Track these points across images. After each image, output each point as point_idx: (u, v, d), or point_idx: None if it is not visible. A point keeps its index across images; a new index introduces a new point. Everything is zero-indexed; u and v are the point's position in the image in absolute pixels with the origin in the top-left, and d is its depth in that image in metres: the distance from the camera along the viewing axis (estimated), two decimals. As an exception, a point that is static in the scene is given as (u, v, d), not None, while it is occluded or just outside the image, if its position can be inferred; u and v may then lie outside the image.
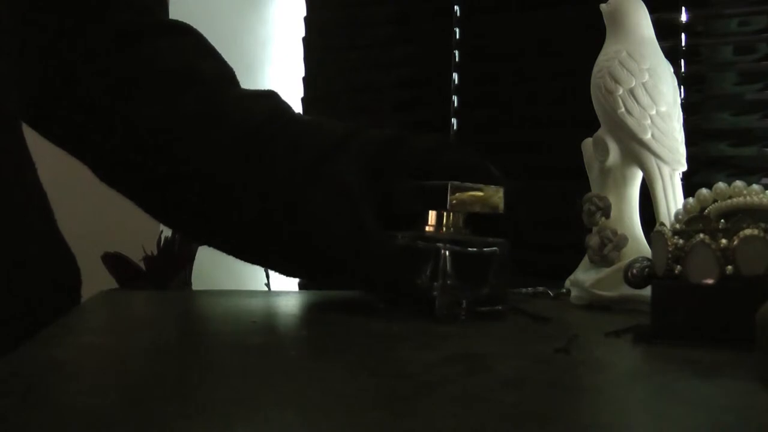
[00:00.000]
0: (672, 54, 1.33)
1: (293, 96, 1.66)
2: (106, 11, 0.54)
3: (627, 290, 0.47)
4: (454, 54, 1.59)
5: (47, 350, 0.35)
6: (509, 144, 1.57)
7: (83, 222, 1.07)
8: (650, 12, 0.57)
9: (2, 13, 0.48)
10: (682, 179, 0.55)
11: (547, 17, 1.50)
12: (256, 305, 0.53)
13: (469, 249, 0.46)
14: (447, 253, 0.45)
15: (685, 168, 0.54)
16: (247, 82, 0.57)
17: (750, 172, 1.34)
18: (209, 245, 0.57)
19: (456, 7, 1.59)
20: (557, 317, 0.48)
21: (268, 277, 1.45)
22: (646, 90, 0.54)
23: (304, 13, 1.72)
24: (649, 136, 0.53)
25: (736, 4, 1.37)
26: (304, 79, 1.71)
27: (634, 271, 0.44)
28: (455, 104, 1.59)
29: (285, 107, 0.54)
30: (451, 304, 0.45)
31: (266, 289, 1.44)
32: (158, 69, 0.54)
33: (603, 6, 0.57)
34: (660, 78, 0.55)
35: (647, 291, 0.41)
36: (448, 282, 0.45)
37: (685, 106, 1.04)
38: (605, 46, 0.57)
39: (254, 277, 1.49)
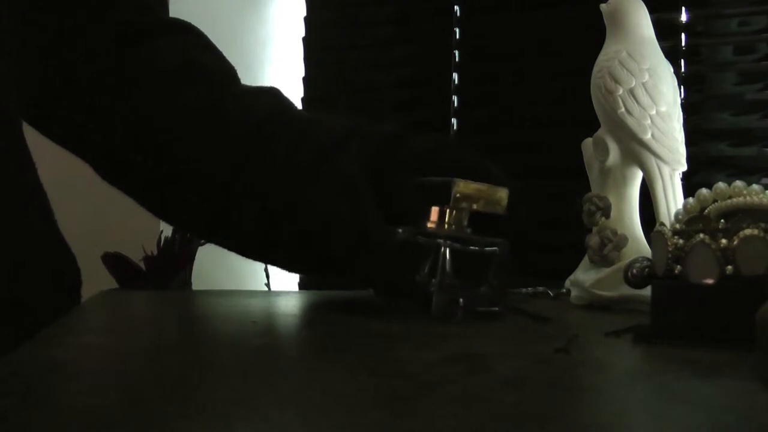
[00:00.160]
0: (672, 54, 1.33)
1: (293, 96, 1.66)
2: (107, 11, 0.54)
3: (627, 290, 0.47)
4: (454, 54, 1.59)
5: (47, 350, 0.35)
6: (509, 144, 1.57)
7: (83, 222, 1.07)
8: (650, 12, 0.57)
9: (2, 13, 0.48)
10: (682, 179, 0.55)
11: (547, 17, 1.50)
12: (256, 305, 0.53)
13: (470, 247, 0.46)
14: (447, 249, 0.45)
15: (685, 168, 0.54)
16: (246, 82, 0.57)
17: (750, 172, 1.34)
18: (211, 242, 0.57)
19: (456, 7, 1.59)
20: (557, 317, 0.48)
21: (268, 277, 1.45)
22: (646, 90, 0.54)
23: (304, 13, 1.72)
24: (649, 136, 0.53)
25: (736, 4, 1.37)
26: (304, 79, 1.71)
27: (634, 271, 0.44)
28: (455, 104, 1.59)
29: (287, 104, 0.54)
30: (448, 301, 0.45)
31: (266, 289, 1.44)
32: (158, 69, 0.54)
33: (603, 6, 0.57)
34: (660, 78, 0.55)
35: (647, 291, 0.41)
36: (446, 279, 0.45)
37: (685, 106, 1.04)
38: (605, 46, 0.57)
39: (254, 277, 1.49)
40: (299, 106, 0.55)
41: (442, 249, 0.45)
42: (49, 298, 0.49)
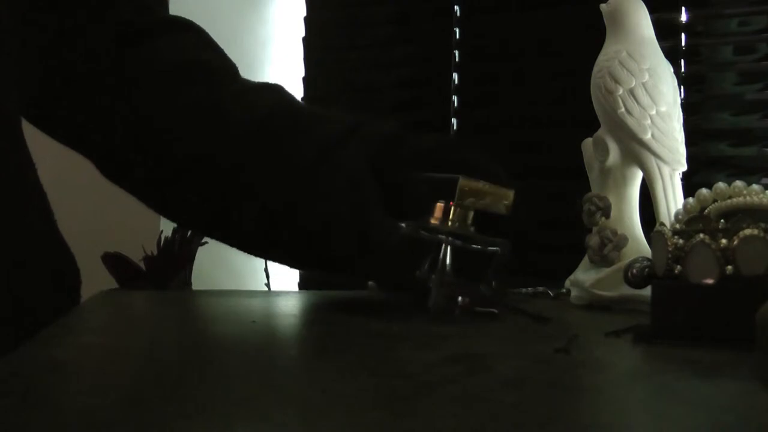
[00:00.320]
0: (672, 54, 1.33)
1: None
2: (107, 11, 0.54)
3: (627, 290, 0.47)
4: (454, 54, 1.59)
5: (47, 350, 0.35)
6: (509, 144, 1.57)
7: (83, 222, 1.07)
8: (650, 12, 0.57)
9: (2, 13, 0.48)
10: (682, 179, 0.55)
11: (547, 17, 1.50)
12: (256, 305, 0.53)
13: (472, 246, 0.45)
14: (448, 246, 0.45)
15: (685, 168, 0.54)
16: (246, 83, 0.57)
17: (750, 172, 1.34)
18: (213, 238, 0.57)
19: (456, 7, 1.59)
20: (557, 317, 0.48)
21: (268, 277, 1.45)
22: (646, 90, 0.54)
23: (304, 13, 1.72)
24: (649, 136, 0.53)
25: (736, 4, 1.37)
26: (304, 79, 1.71)
27: (634, 271, 0.44)
28: (455, 104, 1.59)
29: (289, 99, 0.54)
30: (447, 299, 0.44)
31: (266, 289, 1.44)
32: (158, 68, 0.54)
33: (603, 6, 0.57)
34: (660, 78, 0.55)
35: (647, 291, 0.41)
36: (446, 276, 0.44)
37: (685, 106, 1.04)
38: (605, 46, 0.57)
39: (254, 277, 1.49)
40: (300, 105, 0.55)
41: (444, 245, 0.45)
42: (49, 298, 0.49)
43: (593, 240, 0.54)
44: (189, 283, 1.32)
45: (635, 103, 0.54)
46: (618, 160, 0.56)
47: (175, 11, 0.59)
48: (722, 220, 0.41)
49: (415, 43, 1.65)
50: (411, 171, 0.49)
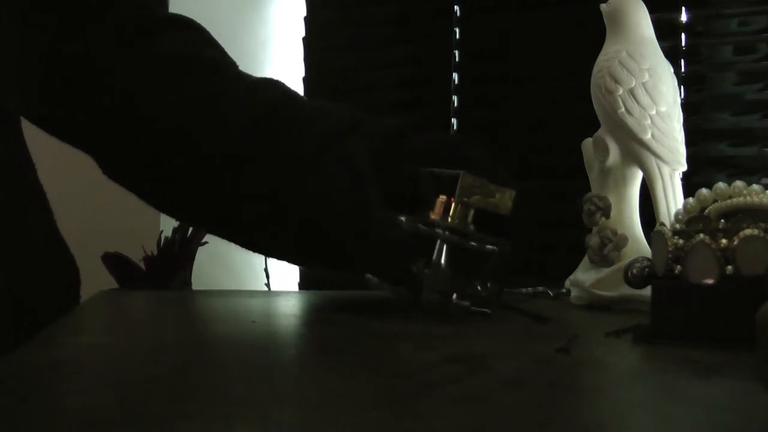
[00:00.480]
0: (672, 54, 1.33)
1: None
2: (107, 11, 0.54)
3: (627, 290, 0.47)
4: (454, 54, 1.59)
5: (47, 350, 0.35)
6: (509, 144, 1.57)
7: (83, 222, 1.07)
8: (650, 12, 0.57)
9: (2, 13, 0.48)
10: (682, 179, 0.55)
11: (547, 17, 1.50)
12: (256, 305, 0.53)
13: (470, 243, 0.45)
14: (446, 241, 0.44)
15: (685, 168, 0.54)
16: (247, 82, 0.57)
17: (750, 172, 1.34)
18: (214, 234, 0.57)
19: (456, 7, 1.59)
20: (557, 317, 0.48)
21: (268, 277, 1.45)
22: (646, 90, 0.54)
23: (304, 13, 1.72)
24: (649, 136, 0.53)
25: (736, 4, 1.37)
26: (304, 79, 1.71)
27: (634, 271, 0.44)
28: (455, 104, 1.59)
29: (290, 94, 0.55)
30: (440, 294, 0.44)
31: (266, 289, 1.44)
32: (159, 67, 0.54)
33: (603, 6, 0.57)
34: (660, 78, 0.55)
35: (647, 291, 0.41)
36: (441, 271, 0.44)
37: (685, 106, 1.04)
38: (605, 46, 0.57)
39: (254, 277, 1.49)
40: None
41: (440, 240, 0.44)
42: (49, 298, 0.49)
43: (593, 240, 0.54)
44: (189, 283, 1.32)
45: (635, 103, 0.54)
46: (618, 160, 0.56)
47: (175, 11, 0.59)
48: (722, 220, 0.41)
49: (415, 43, 1.65)
50: (417, 163, 0.49)
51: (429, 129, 0.53)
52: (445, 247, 0.45)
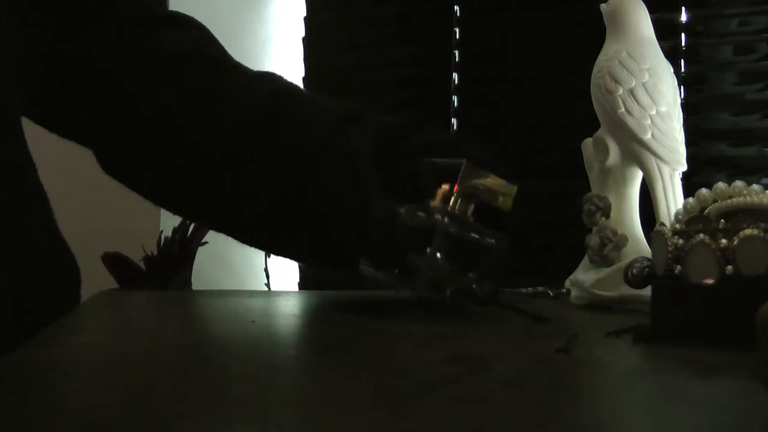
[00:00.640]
0: (672, 54, 1.33)
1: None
2: (107, 11, 0.54)
3: (627, 290, 0.47)
4: (454, 54, 1.59)
5: (47, 350, 0.35)
6: (509, 144, 1.57)
7: (83, 222, 1.07)
8: (650, 12, 0.57)
9: (2, 13, 0.48)
10: (682, 179, 0.55)
11: (547, 17, 1.50)
12: (256, 305, 0.53)
13: (469, 234, 0.45)
14: (444, 229, 0.44)
15: (685, 168, 0.54)
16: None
17: (750, 172, 1.34)
18: (215, 230, 0.57)
19: (456, 7, 1.59)
20: (557, 317, 0.48)
21: (268, 277, 1.45)
22: (646, 90, 0.54)
23: (304, 13, 1.72)
24: (649, 136, 0.53)
25: (736, 4, 1.37)
26: (304, 79, 1.71)
27: (634, 271, 0.44)
28: (455, 104, 1.59)
29: (291, 87, 0.55)
30: (434, 282, 0.44)
31: (266, 289, 1.44)
32: (159, 64, 0.54)
33: (603, 6, 0.57)
34: (660, 78, 0.55)
35: (647, 291, 0.41)
36: (438, 260, 0.44)
37: (685, 106, 1.04)
38: (605, 46, 0.57)
39: (254, 277, 1.49)
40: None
41: (439, 228, 0.44)
42: (49, 298, 0.49)
43: (593, 240, 0.54)
44: (189, 283, 1.32)
45: (635, 103, 0.54)
46: (618, 160, 0.56)
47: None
48: (722, 220, 0.41)
49: (415, 43, 1.65)
50: (414, 159, 0.48)
51: (429, 127, 0.53)
52: (443, 236, 0.44)
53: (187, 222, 1.29)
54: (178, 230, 1.29)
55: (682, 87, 1.36)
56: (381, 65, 1.69)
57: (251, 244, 0.56)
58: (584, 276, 0.54)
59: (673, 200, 0.53)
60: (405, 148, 0.50)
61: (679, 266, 0.39)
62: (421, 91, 1.65)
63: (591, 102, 0.57)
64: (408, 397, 0.27)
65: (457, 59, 1.59)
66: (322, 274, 0.54)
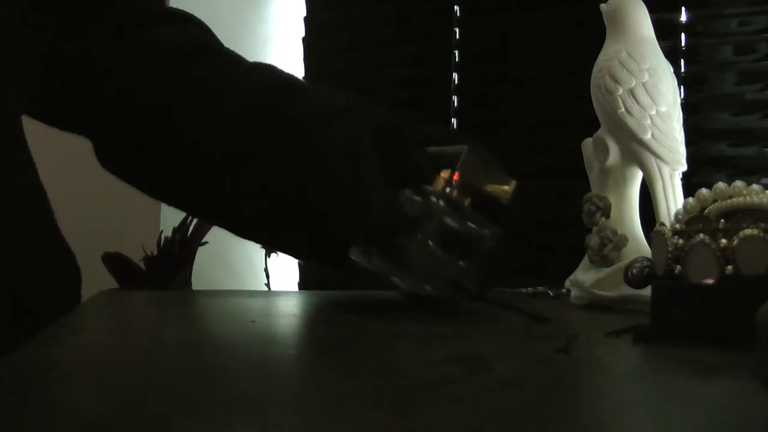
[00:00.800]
0: (672, 54, 1.33)
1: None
2: (107, 11, 0.54)
3: (627, 290, 0.47)
4: (454, 54, 1.59)
5: (47, 350, 0.35)
6: (509, 144, 1.57)
7: (83, 222, 1.07)
8: (650, 12, 0.57)
9: (2, 13, 0.48)
10: (682, 179, 0.55)
11: (547, 17, 1.50)
12: (256, 305, 0.53)
13: (463, 221, 0.44)
14: (439, 212, 0.43)
15: (685, 168, 0.54)
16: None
17: (750, 172, 1.34)
18: (215, 224, 0.57)
19: (456, 7, 1.59)
20: (557, 317, 0.48)
21: (268, 277, 1.45)
22: (646, 90, 0.54)
23: (304, 13, 1.72)
24: (649, 136, 0.53)
25: (736, 4, 1.37)
26: (304, 79, 1.71)
27: (634, 271, 0.44)
28: (455, 104, 1.59)
29: (290, 78, 0.55)
30: (423, 271, 0.43)
31: (266, 289, 1.44)
32: (158, 61, 0.54)
33: (603, 6, 0.57)
34: (660, 78, 0.55)
35: (647, 291, 0.41)
36: (429, 245, 0.43)
37: (685, 106, 1.04)
38: (605, 46, 0.57)
39: (254, 277, 1.49)
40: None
41: (434, 210, 0.43)
42: (49, 298, 0.49)
43: (593, 240, 0.54)
44: (189, 283, 1.32)
45: (635, 103, 0.54)
46: (618, 160, 0.56)
47: (175, 11, 0.59)
48: (722, 220, 0.41)
49: (415, 43, 1.65)
50: (415, 147, 0.48)
51: (428, 123, 0.52)
52: (438, 219, 0.43)
53: (188, 222, 1.29)
54: (178, 230, 1.29)
55: (682, 87, 1.36)
56: (381, 65, 1.69)
57: (252, 240, 0.56)
58: (584, 276, 0.54)
59: (673, 200, 0.53)
60: (403, 138, 0.50)
61: (679, 266, 0.39)
62: (421, 91, 1.65)
63: (591, 102, 0.57)
64: (408, 397, 0.27)
65: (457, 59, 1.59)
66: (323, 274, 0.54)
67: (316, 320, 0.49)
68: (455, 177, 0.45)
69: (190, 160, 0.52)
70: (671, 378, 0.31)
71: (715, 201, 0.44)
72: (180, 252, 1.29)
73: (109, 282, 1.23)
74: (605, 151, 0.55)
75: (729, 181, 0.45)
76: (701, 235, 0.39)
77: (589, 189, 0.57)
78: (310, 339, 0.43)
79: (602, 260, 0.53)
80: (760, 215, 0.41)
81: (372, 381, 0.30)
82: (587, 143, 0.58)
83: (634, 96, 0.54)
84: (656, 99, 0.54)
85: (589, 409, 0.28)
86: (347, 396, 0.27)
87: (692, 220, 0.43)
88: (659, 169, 0.54)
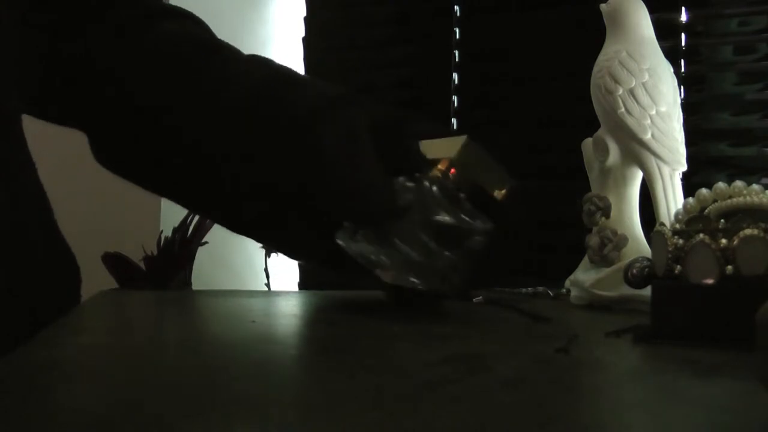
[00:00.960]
0: (672, 54, 1.33)
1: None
2: (106, 11, 0.54)
3: (627, 290, 0.47)
4: (454, 54, 1.59)
5: (47, 350, 0.35)
6: (509, 144, 1.57)
7: (83, 222, 1.07)
8: (650, 12, 0.57)
9: (2, 13, 0.48)
10: (682, 179, 0.55)
11: (547, 17, 1.50)
12: (256, 305, 0.53)
13: (455, 210, 0.44)
14: (432, 197, 0.43)
15: (685, 168, 0.54)
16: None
17: (750, 172, 1.34)
18: (214, 221, 0.57)
19: (456, 7, 1.59)
20: (557, 317, 0.48)
21: (268, 277, 1.45)
22: (646, 90, 0.54)
23: (304, 13, 1.72)
24: (649, 136, 0.53)
25: (736, 4, 1.37)
26: (304, 79, 1.71)
27: (634, 271, 0.44)
28: (455, 104, 1.59)
29: (286, 71, 0.55)
30: (409, 261, 0.43)
31: (266, 289, 1.44)
32: (157, 59, 0.54)
33: (603, 6, 0.57)
34: (660, 78, 0.55)
35: (647, 291, 0.41)
36: (417, 232, 0.43)
37: (685, 106, 1.04)
38: (605, 46, 0.57)
39: (254, 277, 1.49)
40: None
41: (426, 194, 0.43)
42: (49, 298, 0.49)
43: (593, 240, 0.54)
44: (189, 283, 1.32)
45: (635, 103, 0.54)
46: (618, 160, 0.56)
47: (175, 11, 0.59)
48: (722, 220, 0.41)
49: (415, 43, 1.65)
50: (413, 138, 0.48)
51: (426, 120, 0.52)
52: (429, 204, 0.43)
53: (188, 222, 1.29)
54: (178, 230, 1.29)
55: (682, 87, 1.36)
56: (381, 65, 1.69)
57: (253, 239, 0.56)
58: (584, 276, 0.54)
59: (673, 200, 0.53)
60: (400, 130, 0.50)
61: (679, 266, 0.39)
62: (421, 91, 1.65)
63: (591, 102, 0.57)
64: (408, 397, 0.27)
65: (457, 59, 1.59)
66: (323, 274, 0.54)
67: (316, 320, 0.49)
68: (452, 171, 0.44)
69: (190, 159, 0.52)
70: (671, 378, 0.31)
71: (715, 201, 0.44)
72: (180, 252, 1.29)
73: (109, 282, 1.23)
74: (605, 151, 0.55)
75: (729, 181, 0.45)
76: (701, 235, 0.39)
77: (589, 189, 0.57)
78: (310, 339, 0.43)
79: (602, 260, 0.53)
80: (760, 215, 0.41)
81: (372, 381, 0.30)
82: (587, 143, 0.58)
83: (634, 96, 0.54)
84: (656, 99, 0.54)
85: (589, 409, 0.28)
86: (347, 396, 0.27)
87: (692, 220, 0.43)
88: (659, 169, 0.54)
